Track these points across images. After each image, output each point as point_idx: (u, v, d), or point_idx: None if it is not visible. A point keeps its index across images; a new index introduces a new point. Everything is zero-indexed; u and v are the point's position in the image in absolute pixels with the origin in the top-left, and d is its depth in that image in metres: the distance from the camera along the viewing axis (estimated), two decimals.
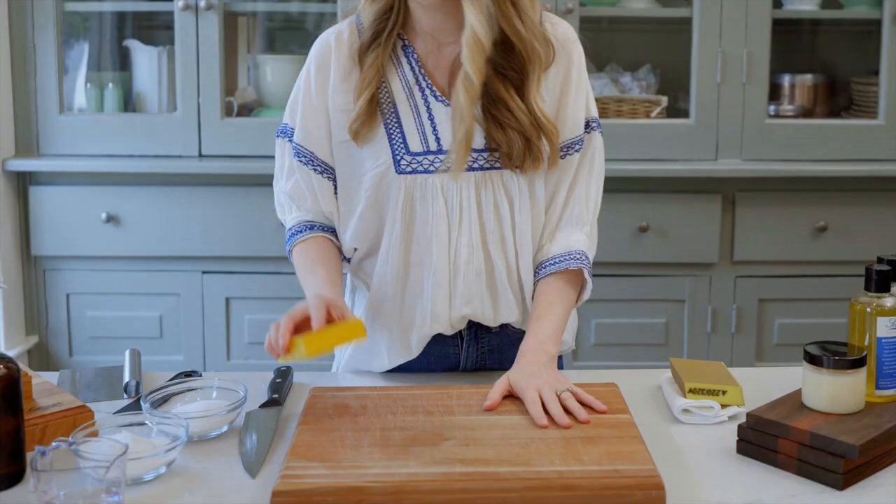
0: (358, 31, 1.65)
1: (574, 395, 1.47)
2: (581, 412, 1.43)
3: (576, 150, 1.67)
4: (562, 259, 1.66)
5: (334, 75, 1.64)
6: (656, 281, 3.17)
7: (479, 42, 1.53)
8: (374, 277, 1.68)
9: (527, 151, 1.60)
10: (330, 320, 1.49)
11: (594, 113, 1.70)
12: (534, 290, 1.68)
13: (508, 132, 1.59)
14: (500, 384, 1.52)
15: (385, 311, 1.68)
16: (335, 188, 1.69)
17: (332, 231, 1.71)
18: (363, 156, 1.64)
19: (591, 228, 1.70)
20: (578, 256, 1.66)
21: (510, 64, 1.58)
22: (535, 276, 1.68)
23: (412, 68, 1.64)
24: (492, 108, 1.59)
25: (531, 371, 1.52)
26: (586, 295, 1.69)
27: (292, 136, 1.69)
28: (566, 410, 1.44)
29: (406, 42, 1.64)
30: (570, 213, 1.68)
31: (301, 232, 1.69)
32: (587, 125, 1.68)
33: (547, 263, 1.67)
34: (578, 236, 1.68)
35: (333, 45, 1.65)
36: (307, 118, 1.67)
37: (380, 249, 1.67)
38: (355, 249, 1.70)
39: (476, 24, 1.52)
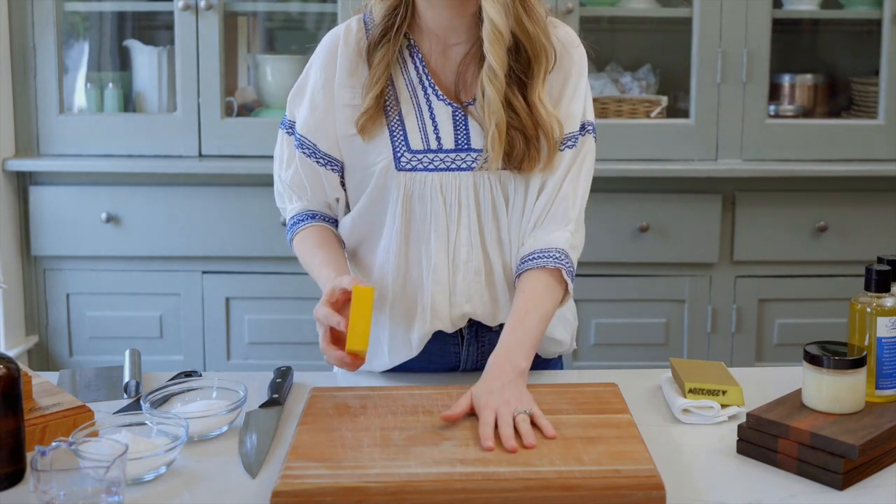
0: (366, 28, 1.65)
1: (532, 416, 1.42)
2: (529, 436, 1.37)
3: (568, 147, 1.64)
4: (540, 255, 1.61)
5: (340, 70, 1.65)
6: (656, 281, 3.17)
7: (498, 33, 1.55)
8: (375, 273, 1.68)
9: (525, 151, 1.60)
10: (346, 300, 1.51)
11: (591, 118, 1.68)
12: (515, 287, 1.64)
13: (511, 132, 1.59)
14: (464, 399, 1.47)
15: (386, 308, 1.68)
16: (341, 179, 1.70)
17: (333, 221, 1.74)
18: (367, 150, 1.65)
19: (575, 226, 1.65)
20: (558, 255, 1.61)
21: (516, 63, 1.59)
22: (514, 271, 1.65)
23: (416, 68, 1.64)
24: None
25: (493, 388, 1.47)
26: (568, 297, 1.64)
27: (291, 128, 1.71)
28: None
29: (412, 42, 1.65)
30: (555, 209, 1.63)
31: (302, 221, 1.71)
32: (583, 127, 1.66)
33: (525, 259, 1.63)
34: (561, 234, 1.63)
35: (342, 39, 1.66)
36: (312, 110, 1.68)
37: (379, 245, 1.67)
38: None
39: (495, 16, 1.54)
